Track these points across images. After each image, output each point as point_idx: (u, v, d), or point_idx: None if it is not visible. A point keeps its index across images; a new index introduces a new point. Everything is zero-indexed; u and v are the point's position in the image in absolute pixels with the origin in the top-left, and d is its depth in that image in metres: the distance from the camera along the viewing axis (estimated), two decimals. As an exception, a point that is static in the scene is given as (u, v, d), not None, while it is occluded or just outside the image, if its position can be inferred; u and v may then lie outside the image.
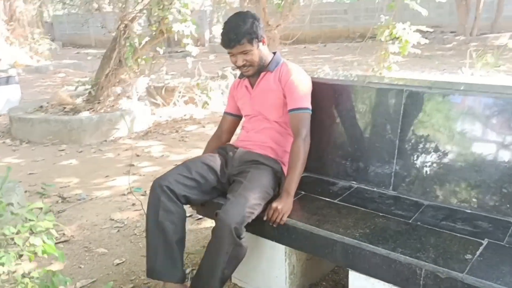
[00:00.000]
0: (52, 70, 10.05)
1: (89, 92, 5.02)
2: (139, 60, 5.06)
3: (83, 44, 18.74)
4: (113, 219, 3.00)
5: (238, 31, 1.92)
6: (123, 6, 4.98)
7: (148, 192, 3.37)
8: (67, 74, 9.64)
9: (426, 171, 1.96)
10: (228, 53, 2.00)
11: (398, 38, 8.26)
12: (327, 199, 2.01)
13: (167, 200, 1.90)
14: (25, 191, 3.29)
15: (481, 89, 1.84)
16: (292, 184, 1.92)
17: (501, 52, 9.47)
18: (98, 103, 5.01)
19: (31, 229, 1.16)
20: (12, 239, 1.11)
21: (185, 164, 2.06)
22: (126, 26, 4.76)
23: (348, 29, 18.81)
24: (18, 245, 1.13)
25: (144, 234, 2.73)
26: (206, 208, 2.12)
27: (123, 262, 2.47)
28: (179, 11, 4.82)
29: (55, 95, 5.52)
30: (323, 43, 17.56)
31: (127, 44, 4.81)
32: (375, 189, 2.08)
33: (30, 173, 3.91)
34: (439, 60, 10.89)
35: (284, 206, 1.85)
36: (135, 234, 2.78)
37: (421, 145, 1.97)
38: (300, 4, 10.10)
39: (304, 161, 1.96)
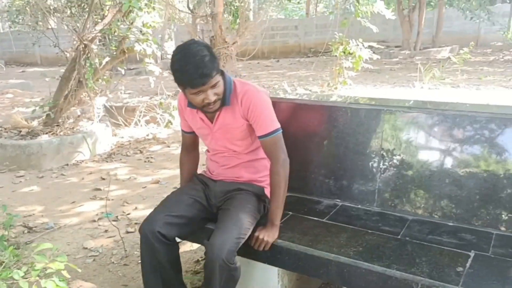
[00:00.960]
0: (-1, 90, 9.57)
1: (47, 115, 4.82)
2: (100, 80, 4.94)
3: (28, 62, 18.00)
4: (86, 248, 2.89)
5: (207, 65, 1.70)
6: (82, 26, 4.86)
7: (120, 217, 3.31)
8: (15, 94, 9.19)
9: (408, 187, 2.04)
10: (194, 93, 1.76)
11: (351, 54, 8.61)
12: (315, 218, 2.05)
13: (161, 246, 1.84)
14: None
15: (457, 108, 1.96)
16: (276, 212, 1.89)
17: (445, 65, 10.07)
18: (58, 125, 4.83)
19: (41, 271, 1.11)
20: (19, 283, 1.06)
21: (170, 200, 1.99)
22: (85, 46, 4.64)
23: (300, 45, 19.31)
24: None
25: (123, 262, 2.68)
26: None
27: (103, 293, 2.38)
28: (141, 31, 4.77)
29: (8, 118, 5.26)
30: (275, 58, 17.90)
31: (87, 64, 4.69)
32: (360, 206, 2.14)
33: (-12, 203, 3.69)
34: (389, 74, 11.38)
35: (268, 236, 1.85)
36: (113, 262, 2.69)
37: (402, 162, 2.06)
38: (255, 21, 10.31)
39: (286, 186, 1.90)
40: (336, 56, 8.57)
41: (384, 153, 2.09)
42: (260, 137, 1.90)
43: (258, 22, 10.85)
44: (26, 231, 3.15)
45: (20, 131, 4.88)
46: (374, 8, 8.39)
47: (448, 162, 1.97)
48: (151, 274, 1.90)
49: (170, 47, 18.71)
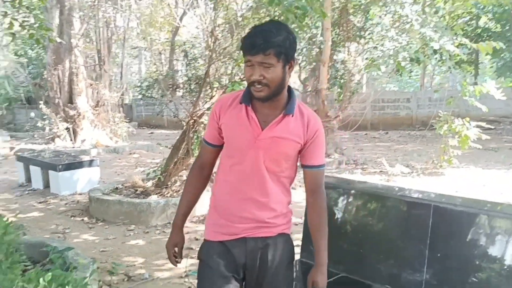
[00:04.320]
0: (128, 151, 11.08)
1: (159, 178, 5.58)
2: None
3: (156, 125, 20.38)
4: (170, 301, 3.30)
5: (267, 38, 1.56)
6: (193, 103, 5.66)
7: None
8: (140, 155, 10.56)
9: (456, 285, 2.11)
10: (246, 62, 1.62)
11: (457, 132, 8.37)
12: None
13: None
14: (97, 268, 3.70)
15: None
16: (325, 252, 1.75)
17: None
18: (166, 188, 5.54)
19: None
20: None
21: None
22: (195, 121, 5.37)
23: (411, 117, 18.98)
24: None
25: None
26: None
27: None
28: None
29: (129, 178, 6.16)
30: (384, 130, 17.79)
31: (195, 137, 5.40)
32: (407, 295, 2.24)
33: (102, 250, 4.36)
34: (506, 154, 10.62)
35: (324, 280, 1.74)
36: (189, 317, 3.05)
37: (451, 258, 2.14)
38: (359, 95, 10.61)
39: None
40: (441, 134, 8.43)
41: (432, 247, 2.19)
42: (312, 167, 1.77)
43: (363, 96, 11.19)
44: (126, 279, 3.69)
45: (136, 190, 5.69)
46: (483, 88, 8.19)
47: None
48: None
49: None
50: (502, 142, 12.42)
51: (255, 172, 1.70)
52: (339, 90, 11.91)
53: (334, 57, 10.07)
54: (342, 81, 11.54)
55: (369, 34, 8.92)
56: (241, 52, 1.65)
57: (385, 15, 7.77)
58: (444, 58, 8.14)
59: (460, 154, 8.27)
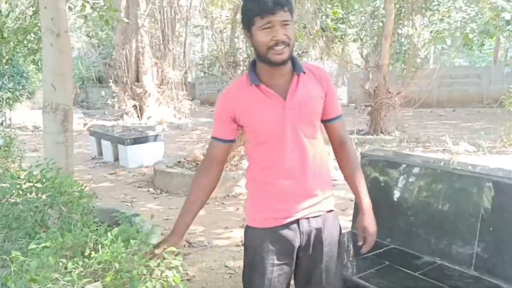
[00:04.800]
0: (190, 127, 11.51)
1: (219, 152, 5.80)
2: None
3: (218, 103, 20.80)
4: (227, 266, 3.50)
5: None
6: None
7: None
8: (202, 131, 10.93)
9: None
10: (264, 25, 1.49)
11: (530, 109, 7.88)
12: (408, 271, 2.24)
13: None
14: (161, 234, 3.98)
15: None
16: (367, 197, 1.73)
17: None
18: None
19: (166, 265, 1.68)
20: (153, 270, 1.65)
21: None
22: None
23: (481, 94, 17.92)
24: (157, 275, 1.66)
25: (251, 283, 3.19)
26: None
27: (231, 304, 2.92)
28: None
29: (191, 152, 6.45)
30: (451, 107, 16.98)
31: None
32: (457, 267, 2.24)
33: (165, 219, 4.67)
34: None
35: (373, 224, 1.72)
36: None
37: (504, 232, 2.12)
38: (428, 67, 10.15)
39: None
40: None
41: (484, 220, 2.17)
42: (335, 118, 1.73)
43: (428, 71, 10.72)
44: (187, 245, 3.94)
45: (198, 164, 5.95)
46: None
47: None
48: None
49: (342, 93, 19.48)
50: None
51: (295, 143, 1.62)
52: (402, 65, 11.49)
53: (398, 31, 9.72)
54: (406, 56, 11.11)
55: (435, 5, 8.50)
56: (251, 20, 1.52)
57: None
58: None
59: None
